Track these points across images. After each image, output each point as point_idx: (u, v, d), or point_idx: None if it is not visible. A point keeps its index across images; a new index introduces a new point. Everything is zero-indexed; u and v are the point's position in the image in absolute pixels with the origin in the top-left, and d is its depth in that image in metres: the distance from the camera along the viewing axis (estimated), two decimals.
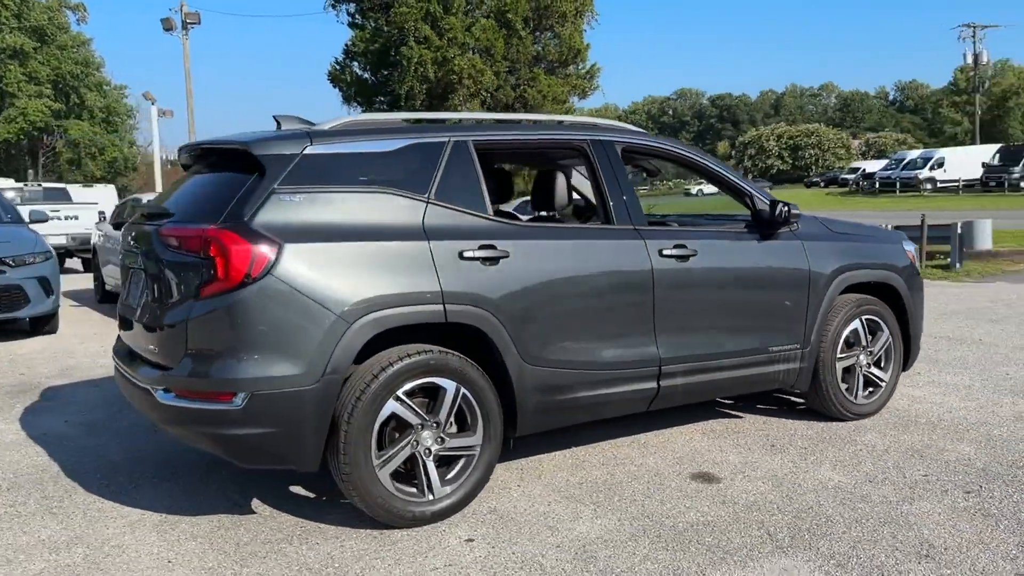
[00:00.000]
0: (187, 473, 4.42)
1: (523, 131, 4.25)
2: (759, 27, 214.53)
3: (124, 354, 4.04)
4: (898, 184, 47.79)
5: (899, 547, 3.30)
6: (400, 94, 26.03)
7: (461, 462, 3.70)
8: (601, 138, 4.33)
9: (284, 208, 3.43)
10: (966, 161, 46.75)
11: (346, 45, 30.93)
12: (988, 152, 48.14)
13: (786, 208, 4.57)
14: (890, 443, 4.60)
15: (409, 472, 3.63)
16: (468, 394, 3.66)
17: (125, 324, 4.11)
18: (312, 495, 4.06)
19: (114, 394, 6.26)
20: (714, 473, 4.19)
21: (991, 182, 43.94)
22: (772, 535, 3.44)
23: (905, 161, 51.08)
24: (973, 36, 63.98)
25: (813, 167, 72.09)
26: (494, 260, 3.73)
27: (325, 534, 3.58)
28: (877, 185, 49.36)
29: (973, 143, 61.29)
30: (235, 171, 3.64)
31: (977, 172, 45.37)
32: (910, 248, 5.41)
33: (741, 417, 5.21)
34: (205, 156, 4.06)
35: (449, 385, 3.62)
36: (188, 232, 3.47)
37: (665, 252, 4.23)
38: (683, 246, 4.29)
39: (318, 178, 3.54)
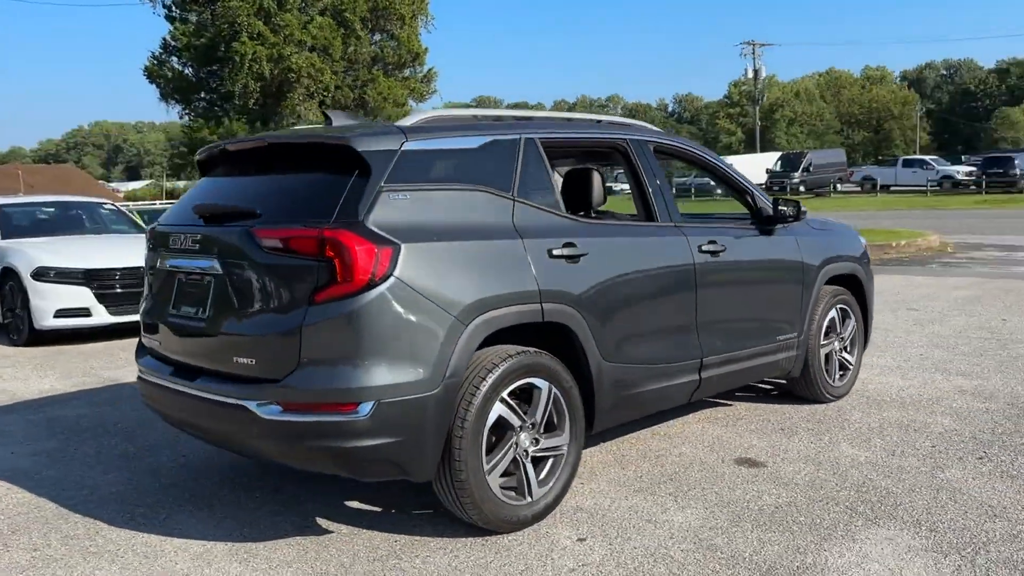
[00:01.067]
0: (208, 496, 4.06)
1: (575, 130, 4.25)
2: (558, 37, 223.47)
3: (173, 370, 3.66)
4: (693, 190, 51.42)
5: (966, 510, 3.63)
6: (233, 91, 24.76)
7: (550, 463, 3.67)
8: (639, 138, 4.44)
9: (393, 207, 3.25)
10: (751, 168, 51.04)
11: (165, 39, 29.05)
12: (771, 159, 52.88)
13: (789, 207, 4.88)
14: (877, 420, 5.02)
15: (506, 475, 3.55)
16: (558, 394, 3.64)
17: (172, 335, 3.74)
18: (377, 508, 3.87)
19: (51, 419, 5.60)
20: (753, 458, 4.40)
21: (775, 187, 48.19)
22: (853, 509, 3.68)
23: None
24: (753, 53, 69.95)
25: None
26: (576, 258, 3.73)
27: (429, 546, 3.44)
28: (674, 191, 52.68)
29: (748, 152, 66.90)
30: (325, 168, 3.42)
31: (762, 178, 49.63)
32: (863, 241, 5.93)
33: (731, 405, 5.48)
34: (267, 152, 3.75)
35: (543, 385, 3.58)
36: (297, 233, 3.18)
37: (703, 248, 4.40)
38: (715, 242, 4.48)
39: (417, 175, 3.39)
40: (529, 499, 3.55)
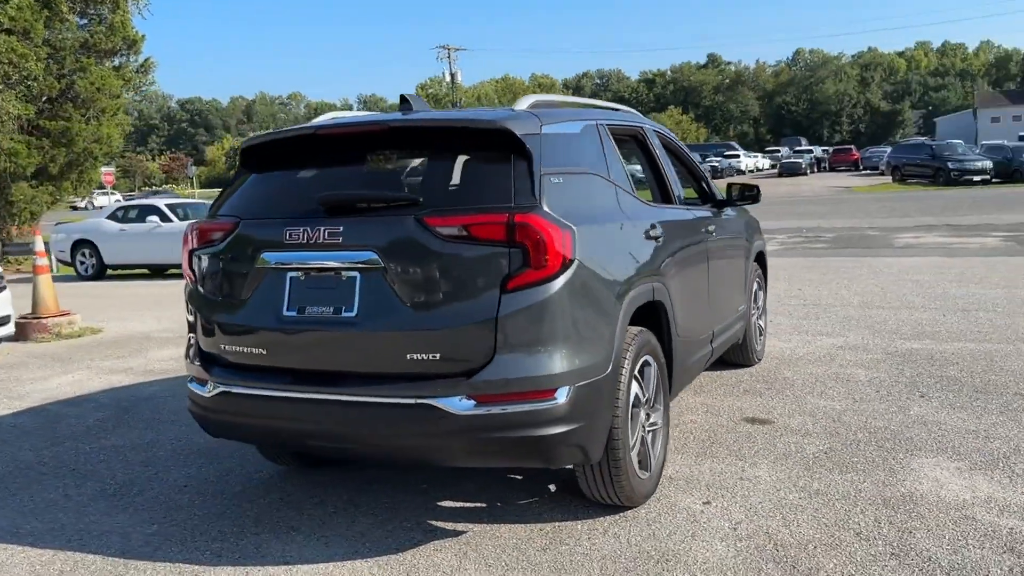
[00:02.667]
0: (321, 517, 3.70)
1: (614, 117, 4.38)
2: (239, 29, 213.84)
3: (293, 378, 3.27)
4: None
5: (961, 436, 4.38)
6: None
7: (655, 436, 3.82)
8: (650, 126, 4.71)
9: (552, 191, 3.22)
10: None
11: None
12: None
13: (745, 189, 5.42)
14: (813, 375, 5.77)
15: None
16: (658, 369, 3.81)
17: (288, 338, 3.34)
18: (480, 504, 3.76)
19: (41, 423, 4.61)
20: (756, 417, 4.89)
21: None
22: (883, 446, 4.27)
23: None
24: (448, 57, 72.60)
25: None
26: (659, 239, 3.91)
27: (589, 527, 3.48)
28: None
29: None
30: (476, 153, 3.32)
31: None
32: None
33: None
34: (388, 137, 3.48)
35: (653, 362, 3.74)
36: (482, 219, 3.05)
37: (707, 228, 4.78)
38: (709, 221, 4.88)
39: (556, 160, 3.37)
40: (648, 473, 3.69)
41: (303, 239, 3.26)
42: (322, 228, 3.23)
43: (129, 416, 5.63)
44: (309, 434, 3.37)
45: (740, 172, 55.27)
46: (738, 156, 58.67)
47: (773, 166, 58.08)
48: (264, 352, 3.38)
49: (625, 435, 3.40)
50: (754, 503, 3.65)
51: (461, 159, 3.41)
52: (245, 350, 3.43)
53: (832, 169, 54.84)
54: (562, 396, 3.06)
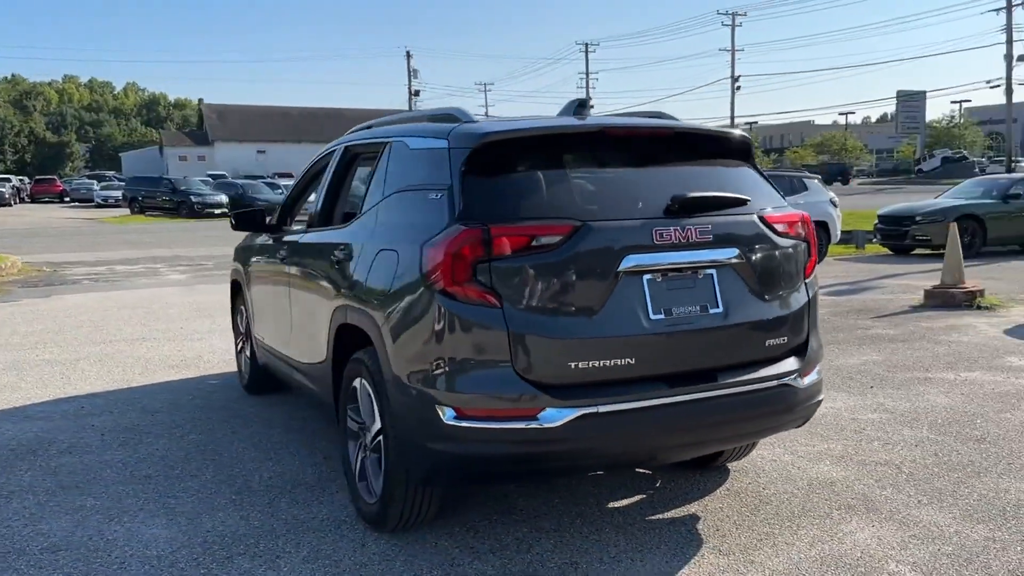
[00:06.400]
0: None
1: None
2: None
3: (668, 384, 3.20)
4: None
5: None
6: None
7: None
8: None
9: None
10: None
11: None
12: None
13: None
14: None
15: None
16: None
17: (656, 343, 3.20)
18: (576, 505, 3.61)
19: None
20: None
21: None
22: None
23: None
24: None
25: None
26: None
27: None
28: None
29: None
30: (726, 158, 3.66)
31: None
32: None
33: None
34: (672, 141, 3.64)
35: None
36: (791, 218, 3.58)
37: None
38: None
39: None
40: None
41: (675, 239, 3.22)
42: (693, 227, 3.26)
43: None
44: (676, 441, 3.34)
45: None
46: None
47: None
48: (632, 361, 3.14)
49: None
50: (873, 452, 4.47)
51: (718, 163, 3.64)
52: (610, 363, 3.10)
53: (34, 200, 50.76)
54: None
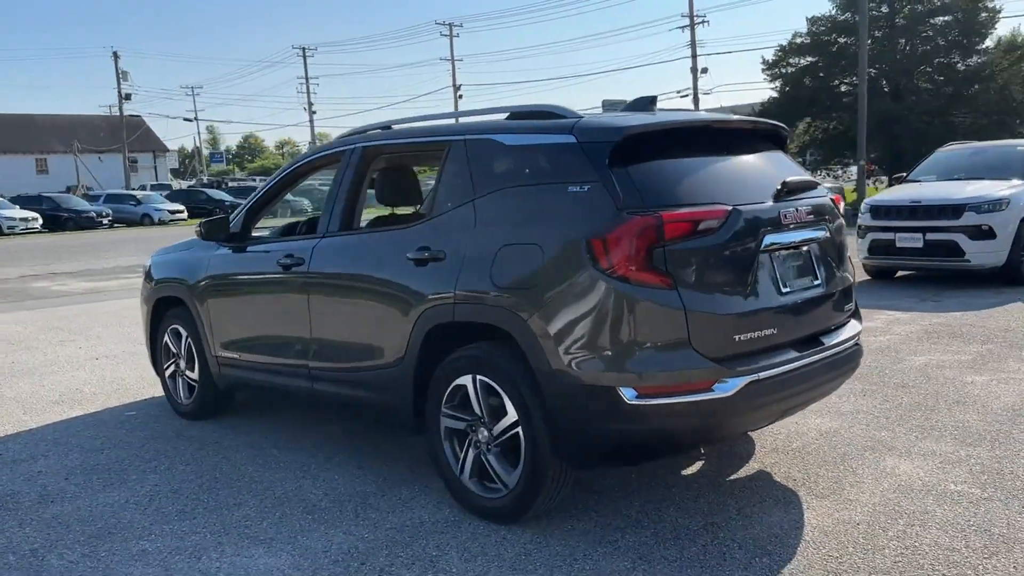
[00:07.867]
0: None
1: None
2: None
3: (796, 350, 3.62)
4: None
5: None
6: None
7: None
8: None
9: None
10: None
11: None
12: None
13: None
14: None
15: None
16: None
17: (786, 315, 3.61)
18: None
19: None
20: None
21: None
22: None
23: None
24: None
25: None
26: None
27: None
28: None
29: None
30: (769, 147, 4.01)
31: None
32: None
33: None
34: (741, 134, 3.98)
35: None
36: (838, 198, 4.14)
37: None
38: None
39: None
40: None
41: (794, 220, 3.66)
42: (802, 209, 3.72)
43: None
44: (800, 400, 3.74)
45: None
46: None
47: None
48: (775, 331, 3.50)
49: None
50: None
51: (766, 152, 3.98)
52: (762, 334, 3.45)
53: None
54: None
